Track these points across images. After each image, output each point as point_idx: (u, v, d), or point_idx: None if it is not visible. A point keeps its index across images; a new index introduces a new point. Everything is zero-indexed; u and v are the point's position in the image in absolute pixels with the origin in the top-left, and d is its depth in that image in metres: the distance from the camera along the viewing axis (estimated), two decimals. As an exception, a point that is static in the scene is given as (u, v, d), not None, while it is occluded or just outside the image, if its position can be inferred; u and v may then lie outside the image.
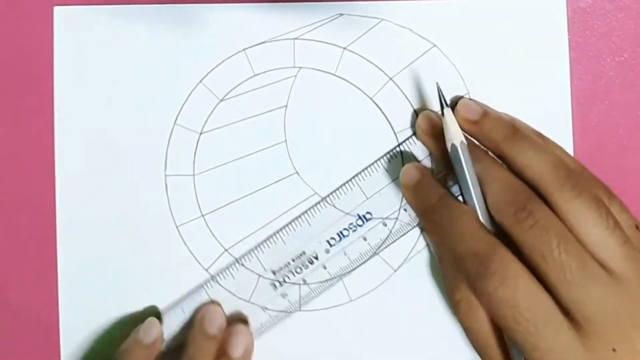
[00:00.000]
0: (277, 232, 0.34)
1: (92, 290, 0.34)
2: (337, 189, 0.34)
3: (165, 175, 0.35)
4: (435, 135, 0.33)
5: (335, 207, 0.34)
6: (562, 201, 0.29)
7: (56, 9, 0.35)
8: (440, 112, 0.32)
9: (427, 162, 0.34)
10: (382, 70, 0.34)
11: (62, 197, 0.34)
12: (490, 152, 0.32)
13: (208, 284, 0.34)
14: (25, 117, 0.35)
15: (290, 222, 0.34)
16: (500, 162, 0.32)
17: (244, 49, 0.34)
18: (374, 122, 0.34)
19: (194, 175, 0.35)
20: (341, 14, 0.34)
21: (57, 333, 0.34)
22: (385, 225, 0.34)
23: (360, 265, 0.34)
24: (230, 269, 0.34)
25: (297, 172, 0.34)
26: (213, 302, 0.34)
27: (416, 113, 0.34)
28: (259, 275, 0.34)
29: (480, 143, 0.32)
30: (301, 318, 0.34)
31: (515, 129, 0.32)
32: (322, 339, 0.35)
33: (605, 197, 0.31)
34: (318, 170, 0.34)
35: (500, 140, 0.31)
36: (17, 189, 0.35)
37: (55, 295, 0.34)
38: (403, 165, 0.34)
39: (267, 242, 0.34)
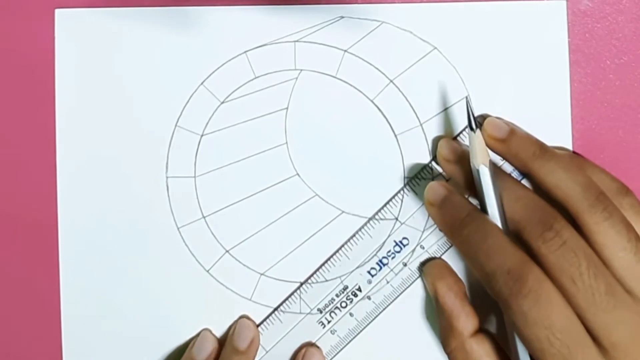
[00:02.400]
0: (317, 270, 0.34)
1: (94, 291, 0.34)
2: (370, 218, 0.34)
3: (167, 177, 0.35)
4: (457, 161, 0.33)
5: (371, 237, 0.34)
6: (592, 223, 0.29)
7: (57, 11, 0.35)
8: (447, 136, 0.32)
9: None
10: (382, 73, 0.34)
11: (63, 199, 0.35)
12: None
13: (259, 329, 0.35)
14: (26, 120, 0.35)
15: (328, 259, 0.34)
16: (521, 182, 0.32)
17: (245, 52, 0.35)
18: (374, 124, 0.34)
19: (195, 177, 0.35)
20: (342, 17, 0.34)
21: (59, 333, 0.35)
22: (423, 247, 0.34)
23: (404, 290, 0.34)
24: (277, 313, 0.34)
25: (298, 174, 0.35)
26: (244, 316, 0.34)
27: (417, 116, 0.34)
28: (306, 314, 0.34)
29: (507, 161, 0.33)
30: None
31: (543, 148, 0.32)
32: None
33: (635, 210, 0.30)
34: (319, 172, 0.34)
35: (528, 159, 0.31)
36: (18, 190, 0.35)
37: (57, 296, 0.34)
38: (433, 180, 0.34)
39: (309, 281, 0.34)
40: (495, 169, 0.31)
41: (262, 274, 0.34)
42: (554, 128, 0.34)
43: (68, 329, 0.35)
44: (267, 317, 0.34)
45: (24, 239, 0.35)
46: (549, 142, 0.34)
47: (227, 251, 0.35)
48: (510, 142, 0.32)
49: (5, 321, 0.35)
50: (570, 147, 0.34)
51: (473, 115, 0.31)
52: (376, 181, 0.34)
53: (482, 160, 0.31)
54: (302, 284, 0.34)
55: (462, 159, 0.32)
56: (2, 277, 0.35)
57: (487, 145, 0.32)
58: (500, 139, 0.32)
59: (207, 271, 0.34)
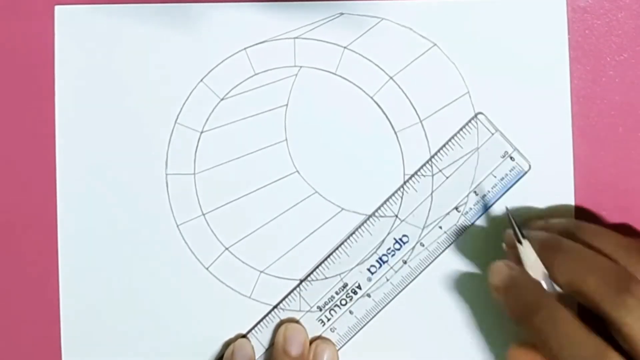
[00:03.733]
0: (317, 267, 0.34)
1: (93, 288, 0.34)
2: (370, 215, 0.34)
3: (166, 174, 0.35)
4: (506, 289, 0.30)
5: (371, 235, 0.34)
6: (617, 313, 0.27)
7: (57, 8, 0.35)
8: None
9: (458, 172, 0.34)
10: (382, 70, 0.34)
11: (63, 197, 0.35)
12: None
13: (251, 333, 0.34)
14: (26, 116, 0.35)
15: (328, 256, 0.34)
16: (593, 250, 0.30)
17: (245, 48, 0.35)
18: (374, 121, 0.34)
19: (194, 174, 0.35)
20: (341, 13, 0.34)
21: (58, 331, 0.34)
22: (423, 245, 0.34)
23: (404, 288, 0.34)
24: (277, 311, 0.34)
25: (297, 171, 0.34)
26: (292, 320, 0.34)
27: (417, 112, 0.34)
28: (305, 312, 0.34)
29: None
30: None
31: (577, 224, 0.31)
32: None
33: None
34: (318, 169, 0.34)
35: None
36: (18, 187, 0.35)
37: (57, 293, 0.34)
38: (432, 177, 0.34)
39: (309, 279, 0.34)
40: (561, 245, 0.30)
41: (261, 272, 0.34)
42: (554, 125, 0.34)
43: (67, 326, 0.34)
44: (267, 314, 0.34)
45: (24, 237, 0.35)
46: (549, 140, 0.34)
47: (226, 248, 0.34)
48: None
49: (5, 320, 0.35)
50: (570, 144, 0.34)
51: (518, 227, 0.30)
52: (376, 178, 0.34)
53: (540, 270, 0.30)
54: (301, 281, 0.34)
55: (510, 286, 0.30)
56: (2, 275, 0.35)
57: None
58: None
59: (207, 269, 0.34)
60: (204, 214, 0.34)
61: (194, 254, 0.34)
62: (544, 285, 0.29)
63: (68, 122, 0.35)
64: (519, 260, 0.30)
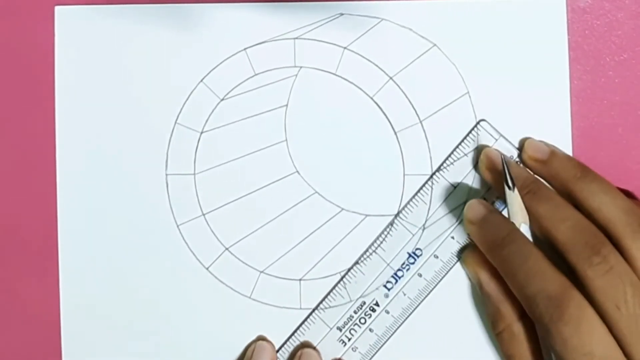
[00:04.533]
0: (334, 288, 0.34)
1: (93, 288, 0.34)
2: (382, 232, 0.34)
3: (166, 174, 0.35)
4: (496, 170, 0.33)
5: (384, 250, 0.34)
6: (635, 248, 0.29)
7: (57, 8, 0.35)
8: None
9: (467, 181, 0.34)
10: (382, 70, 0.34)
11: (63, 196, 0.35)
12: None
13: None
14: (26, 117, 0.35)
15: (344, 276, 0.34)
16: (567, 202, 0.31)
17: (245, 49, 0.35)
18: (374, 121, 0.34)
19: (194, 174, 0.35)
20: (341, 14, 0.35)
21: (58, 331, 0.34)
22: (437, 257, 0.34)
23: (421, 302, 0.34)
24: (297, 335, 0.34)
25: (297, 172, 0.35)
26: (308, 345, 0.34)
27: (416, 113, 0.34)
28: (326, 334, 0.34)
29: (548, 183, 0.32)
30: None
31: (585, 170, 0.32)
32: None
33: None
34: (318, 170, 0.34)
35: (569, 180, 0.31)
36: (18, 187, 0.35)
37: (57, 293, 0.34)
38: (432, 194, 0.34)
39: (327, 299, 0.34)
40: (541, 188, 0.31)
41: (261, 272, 0.34)
42: (554, 125, 0.34)
43: (67, 326, 0.34)
44: (287, 340, 0.34)
45: (24, 236, 0.35)
46: (549, 140, 0.34)
47: (226, 249, 0.34)
48: (551, 163, 0.32)
49: (5, 320, 0.35)
50: (569, 145, 0.34)
51: (510, 174, 0.31)
52: (376, 178, 0.34)
53: (522, 219, 0.31)
54: (320, 303, 0.34)
55: (499, 171, 0.32)
56: (2, 275, 0.35)
57: (528, 167, 0.33)
58: (541, 160, 0.32)
59: (207, 269, 0.34)
60: (204, 214, 0.35)
61: (194, 254, 0.34)
62: (524, 232, 0.31)
63: (68, 122, 0.35)
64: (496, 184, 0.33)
